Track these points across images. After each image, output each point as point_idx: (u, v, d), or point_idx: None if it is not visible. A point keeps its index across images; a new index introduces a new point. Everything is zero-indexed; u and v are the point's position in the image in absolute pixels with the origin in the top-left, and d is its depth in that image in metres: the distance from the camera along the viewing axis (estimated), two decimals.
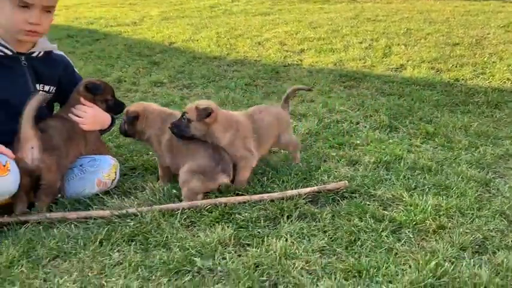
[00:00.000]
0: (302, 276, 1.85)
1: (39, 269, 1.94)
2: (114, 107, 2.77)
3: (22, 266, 1.94)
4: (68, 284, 1.82)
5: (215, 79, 5.20)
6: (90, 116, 2.63)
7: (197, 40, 7.11)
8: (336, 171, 2.82)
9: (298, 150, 3.01)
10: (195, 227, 2.26)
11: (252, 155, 2.64)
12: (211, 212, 2.34)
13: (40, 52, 2.56)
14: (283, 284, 1.80)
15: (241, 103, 4.29)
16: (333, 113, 4.01)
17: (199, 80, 5.16)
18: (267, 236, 2.13)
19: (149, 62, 5.94)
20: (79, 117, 2.60)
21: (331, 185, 2.58)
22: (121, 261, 1.97)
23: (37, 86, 2.56)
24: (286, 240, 2.08)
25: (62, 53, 2.76)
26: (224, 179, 2.51)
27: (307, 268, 1.90)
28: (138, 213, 2.30)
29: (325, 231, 2.18)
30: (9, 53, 2.44)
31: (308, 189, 2.54)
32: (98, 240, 2.10)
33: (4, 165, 2.17)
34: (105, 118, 2.74)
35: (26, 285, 1.83)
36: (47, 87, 2.60)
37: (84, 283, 1.83)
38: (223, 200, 2.45)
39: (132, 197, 2.55)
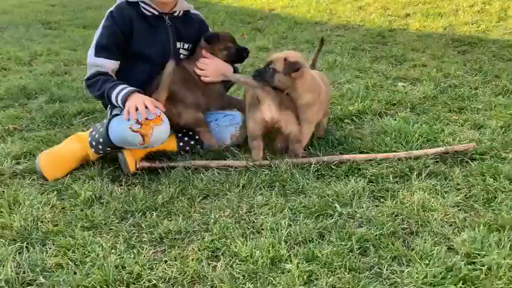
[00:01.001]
0: (442, 226, 1.92)
1: (195, 205, 2.21)
2: (237, 54, 2.83)
3: (181, 201, 2.22)
4: (223, 219, 2.06)
5: None
6: (210, 67, 2.73)
7: (296, 6, 7.15)
8: (461, 134, 2.79)
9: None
10: (325, 178, 2.40)
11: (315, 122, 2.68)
12: (339, 167, 2.47)
13: (180, 12, 2.76)
14: (424, 233, 1.89)
15: (349, 67, 4.32)
16: (448, 77, 3.90)
17: (304, 45, 5.23)
18: (400, 191, 2.21)
19: (252, 29, 6.12)
20: (201, 69, 2.73)
21: (458, 146, 2.57)
22: (265, 203, 2.18)
23: (177, 44, 2.79)
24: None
25: (197, 12, 2.95)
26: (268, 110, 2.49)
27: (446, 220, 1.97)
28: (272, 165, 2.48)
29: (458, 189, 2.21)
30: (156, 12, 2.67)
31: (435, 150, 2.56)
32: (241, 184, 2.33)
33: (159, 116, 2.45)
34: (226, 69, 2.80)
35: (188, 217, 2.10)
36: (186, 45, 2.82)
37: (237, 218, 2.06)
38: (349, 156, 2.56)
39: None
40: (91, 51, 2.62)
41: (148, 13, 2.66)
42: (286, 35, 5.70)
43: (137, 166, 2.55)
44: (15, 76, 4.39)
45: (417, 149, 2.61)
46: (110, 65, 2.62)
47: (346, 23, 6.04)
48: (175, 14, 2.75)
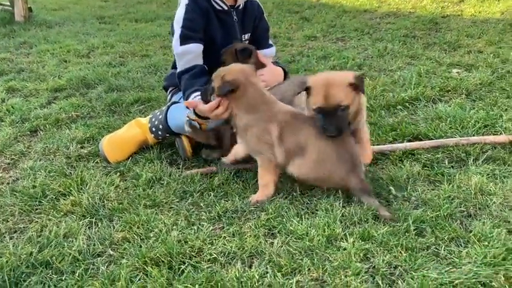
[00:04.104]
0: (502, 210, 1.88)
1: (250, 187, 2.27)
2: None
3: (236, 183, 2.30)
4: (278, 199, 2.12)
5: (369, 31, 5.17)
6: (268, 72, 2.71)
7: None
8: None
9: None
10: (379, 163, 2.41)
11: (267, 154, 2.14)
12: (393, 152, 2.46)
13: (241, 4, 2.79)
14: (482, 216, 1.87)
15: (401, 54, 4.25)
16: (506, 63, 3.76)
17: (353, 33, 5.18)
18: (456, 175, 2.18)
19: (300, 18, 6.11)
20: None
21: None
22: None
23: (242, 36, 2.84)
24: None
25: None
26: None
27: (506, 204, 1.93)
28: None
29: None
30: (225, 7, 2.71)
31: (503, 138, 2.47)
32: None
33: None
34: (280, 72, 2.81)
35: (243, 198, 2.17)
36: (246, 35, 2.86)
37: (291, 200, 2.11)
38: (401, 145, 2.53)
39: None
40: (175, 41, 2.61)
41: (218, 7, 2.70)
42: (335, 24, 5.65)
43: (187, 173, 2.47)
44: (75, 68, 4.63)
45: (474, 135, 2.55)
46: (197, 49, 2.59)
47: (396, 10, 5.91)
48: (238, 7, 2.78)
